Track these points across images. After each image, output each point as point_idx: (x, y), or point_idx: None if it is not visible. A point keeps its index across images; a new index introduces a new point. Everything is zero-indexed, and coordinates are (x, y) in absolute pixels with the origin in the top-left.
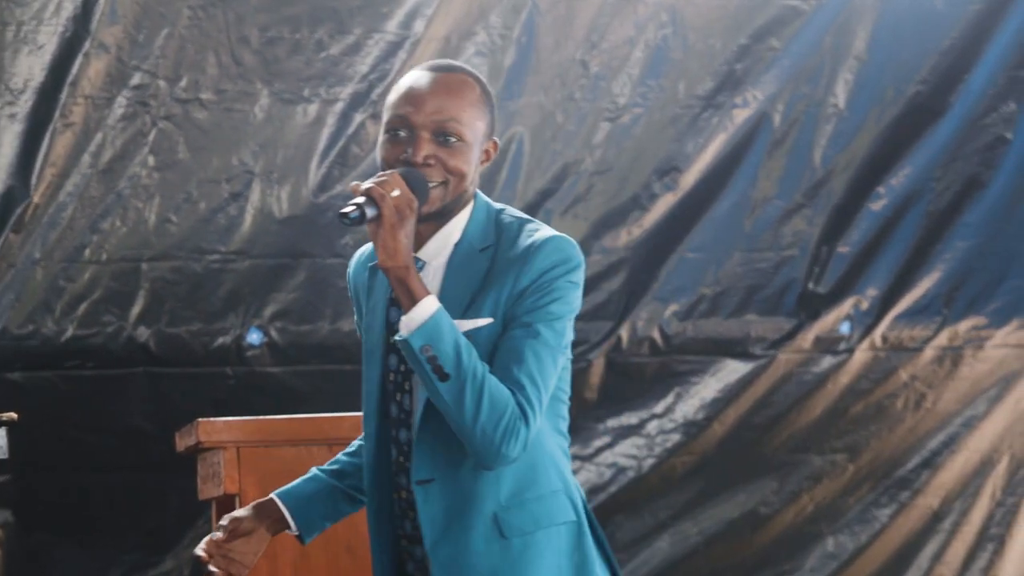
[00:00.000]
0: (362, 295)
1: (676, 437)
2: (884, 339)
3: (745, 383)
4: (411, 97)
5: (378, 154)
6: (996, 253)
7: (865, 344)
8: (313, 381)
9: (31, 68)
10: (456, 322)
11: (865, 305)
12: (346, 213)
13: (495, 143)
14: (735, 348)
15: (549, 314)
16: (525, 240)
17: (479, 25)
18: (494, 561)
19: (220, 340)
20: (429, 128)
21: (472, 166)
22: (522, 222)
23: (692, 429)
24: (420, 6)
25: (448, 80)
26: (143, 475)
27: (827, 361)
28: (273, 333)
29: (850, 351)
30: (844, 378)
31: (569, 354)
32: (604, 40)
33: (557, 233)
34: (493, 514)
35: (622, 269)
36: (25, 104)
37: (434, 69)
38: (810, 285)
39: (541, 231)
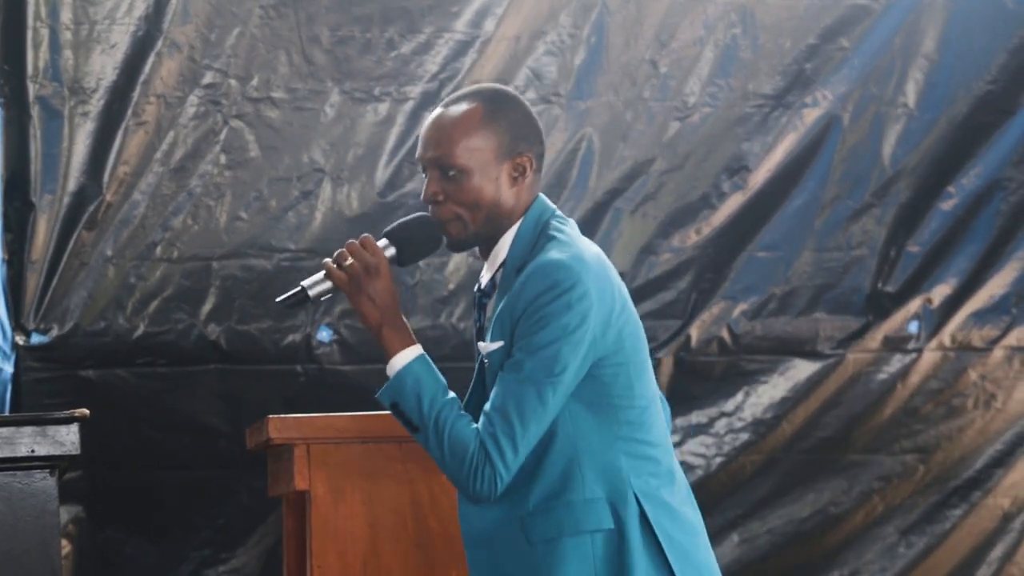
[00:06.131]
0: None
1: (745, 436)
2: (953, 339)
3: (814, 382)
4: (420, 137)
5: None
6: None
7: (934, 344)
8: (382, 378)
9: (104, 67)
10: (480, 344)
11: (934, 305)
12: (282, 300)
13: (524, 156)
14: (804, 347)
15: (532, 344)
16: (532, 262)
17: (549, 25)
18: (520, 566)
19: (290, 338)
20: (433, 165)
21: (485, 192)
22: (549, 239)
23: (761, 428)
24: (490, 5)
25: (445, 114)
26: (213, 472)
27: (896, 361)
28: (343, 331)
29: (919, 351)
30: (913, 378)
31: (621, 358)
32: (674, 40)
33: (552, 256)
34: (521, 519)
35: (691, 268)
36: (98, 103)
37: (441, 105)
38: (879, 284)
39: (546, 253)
